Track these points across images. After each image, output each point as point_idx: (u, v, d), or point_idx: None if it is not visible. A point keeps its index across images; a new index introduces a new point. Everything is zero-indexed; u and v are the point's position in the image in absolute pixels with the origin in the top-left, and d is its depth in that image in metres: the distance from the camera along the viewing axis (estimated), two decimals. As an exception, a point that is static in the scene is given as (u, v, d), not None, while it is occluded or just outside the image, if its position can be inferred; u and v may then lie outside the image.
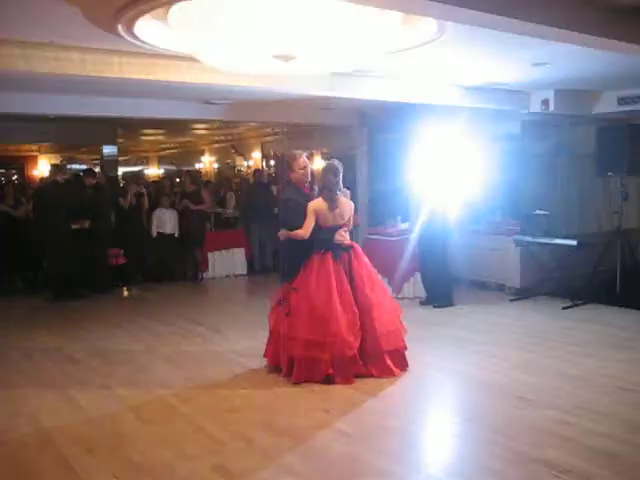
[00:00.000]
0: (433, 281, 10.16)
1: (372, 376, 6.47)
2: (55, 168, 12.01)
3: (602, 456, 4.68)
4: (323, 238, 6.69)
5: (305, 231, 6.63)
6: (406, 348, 6.79)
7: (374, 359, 6.54)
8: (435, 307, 9.92)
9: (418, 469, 4.52)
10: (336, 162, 6.97)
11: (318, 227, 6.67)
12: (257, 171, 15.62)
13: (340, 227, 6.75)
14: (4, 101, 10.12)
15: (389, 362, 6.59)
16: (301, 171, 6.93)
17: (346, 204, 6.83)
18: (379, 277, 7.13)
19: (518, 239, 10.67)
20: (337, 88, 8.79)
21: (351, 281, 6.66)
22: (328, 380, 6.34)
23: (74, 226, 10.98)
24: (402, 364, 6.73)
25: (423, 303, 10.16)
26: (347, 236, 6.83)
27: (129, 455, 4.80)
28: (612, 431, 5.14)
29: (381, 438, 5.09)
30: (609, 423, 5.31)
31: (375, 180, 13.45)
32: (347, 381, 6.37)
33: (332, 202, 6.70)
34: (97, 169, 16.23)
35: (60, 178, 11.38)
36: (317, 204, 6.71)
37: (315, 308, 6.44)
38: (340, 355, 6.37)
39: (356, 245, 6.99)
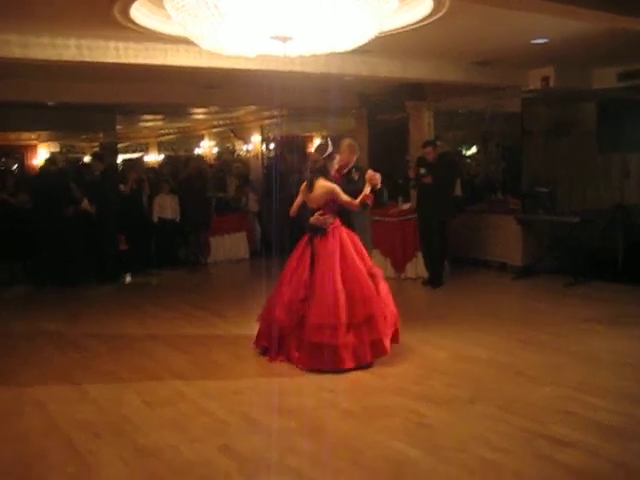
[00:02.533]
0: (434, 261, 10.16)
1: (299, 366, 6.30)
2: (49, 158, 12.11)
3: (606, 430, 4.69)
4: (305, 219, 6.73)
5: (291, 209, 6.87)
6: (339, 347, 6.15)
7: (303, 347, 6.35)
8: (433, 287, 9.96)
9: (424, 447, 4.52)
10: (325, 140, 6.92)
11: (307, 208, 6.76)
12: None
13: (317, 209, 6.65)
14: (2, 89, 10.09)
15: (313, 355, 6.23)
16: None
17: (321, 188, 6.61)
18: (354, 266, 6.46)
19: (520, 217, 10.66)
20: (336, 67, 8.76)
21: (314, 265, 6.53)
22: (263, 352, 6.68)
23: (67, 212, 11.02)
24: (331, 361, 6.15)
25: (425, 283, 10.17)
26: (326, 219, 6.57)
27: (135, 438, 4.80)
28: (615, 406, 5.15)
29: (386, 417, 5.09)
30: (612, 398, 5.32)
31: (376, 161, 13.41)
32: (270, 358, 6.54)
33: (309, 183, 6.71)
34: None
35: (54, 168, 11.42)
36: (303, 184, 6.80)
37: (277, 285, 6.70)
38: (269, 331, 6.61)
39: (338, 229, 6.61)
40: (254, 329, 7.03)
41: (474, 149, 17.70)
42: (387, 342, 6.36)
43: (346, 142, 7.38)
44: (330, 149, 6.76)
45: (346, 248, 6.52)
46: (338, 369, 6.10)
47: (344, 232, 6.64)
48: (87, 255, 11.46)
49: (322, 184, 6.63)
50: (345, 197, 6.61)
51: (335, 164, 6.85)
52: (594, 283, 9.65)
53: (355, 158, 7.33)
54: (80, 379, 6.19)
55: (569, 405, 5.18)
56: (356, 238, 6.70)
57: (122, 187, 12.11)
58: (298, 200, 6.82)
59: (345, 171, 7.19)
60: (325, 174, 6.68)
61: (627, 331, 7.33)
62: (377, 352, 6.30)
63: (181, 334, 7.80)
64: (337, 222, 6.65)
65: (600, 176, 11.26)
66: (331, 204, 6.62)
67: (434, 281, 10.05)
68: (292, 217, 6.93)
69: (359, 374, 6.12)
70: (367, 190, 6.56)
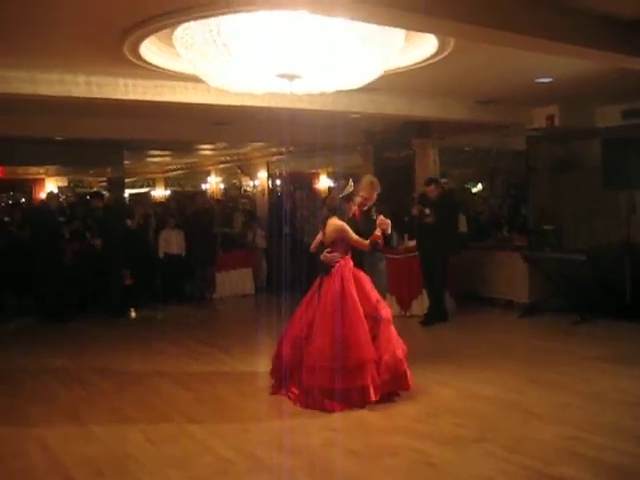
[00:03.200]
0: (434, 298, 10.14)
1: (296, 404, 6.31)
2: (50, 194, 12.34)
3: (614, 471, 4.65)
4: (319, 256, 6.76)
5: (312, 245, 6.93)
6: (329, 390, 6.15)
7: (301, 386, 6.37)
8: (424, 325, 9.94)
9: (429, 487, 4.49)
10: (348, 181, 6.92)
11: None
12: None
13: (326, 248, 6.68)
14: (11, 124, 10.19)
15: (307, 395, 6.27)
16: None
17: (332, 226, 6.65)
18: (353, 307, 6.36)
19: (526, 254, 10.64)
20: (342, 104, 8.83)
21: (318, 303, 6.53)
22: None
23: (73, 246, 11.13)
24: (320, 403, 6.17)
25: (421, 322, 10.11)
26: (333, 257, 6.58)
27: (138, 476, 4.77)
28: (623, 446, 5.10)
29: (391, 456, 5.06)
30: (620, 438, 5.27)
31: (382, 198, 13.43)
32: (272, 391, 6.67)
33: (323, 221, 6.78)
34: (104, 191, 16.43)
35: (53, 203, 11.58)
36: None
37: None
38: (279, 365, 6.64)
39: (343, 268, 6.57)
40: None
41: (480, 186, 17.78)
42: (374, 389, 6.23)
43: (367, 179, 7.37)
44: (349, 190, 6.80)
45: (347, 288, 6.46)
46: (326, 411, 6.08)
47: (349, 271, 6.60)
48: (91, 289, 11.52)
49: (333, 222, 6.66)
50: (354, 237, 6.60)
51: (353, 205, 6.86)
52: (601, 321, 9.58)
53: (376, 195, 7.24)
54: (85, 416, 6.17)
55: (575, 445, 5.14)
56: (364, 278, 6.64)
57: (129, 222, 12.17)
58: (318, 237, 6.87)
59: (365, 208, 7.15)
60: (339, 213, 6.70)
61: (634, 370, 7.26)
62: (366, 397, 6.19)
63: (187, 371, 7.77)
64: (345, 261, 6.63)
65: (606, 213, 11.26)
66: (339, 243, 6.62)
67: (427, 319, 10.01)
68: (312, 253, 6.94)
69: (364, 413, 6.07)
70: (378, 232, 6.57)
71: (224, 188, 22.43)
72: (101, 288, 11.56)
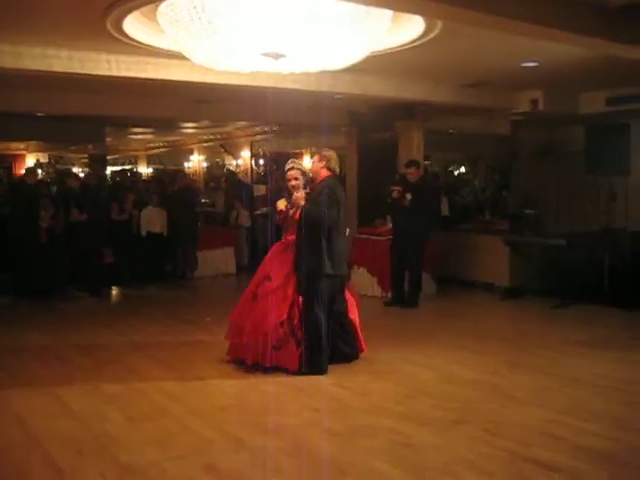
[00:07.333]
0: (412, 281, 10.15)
1: None
2: (28, 170, 12.23)
3: (593, 455, 4.67)
4: None
5: None
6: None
7: None
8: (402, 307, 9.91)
9: (407, 468, 4.49)
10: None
11: None
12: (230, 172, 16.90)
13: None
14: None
15: None
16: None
17: None
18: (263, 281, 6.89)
19: (507, 238, 10.67)
20: (327, 85, 8.78)
21: None
22: None
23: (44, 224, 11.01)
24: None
25: (390, 304, 10.10)
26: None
27: (117, 455, 4.75)
28: (603, 430, 5.13)
29: (370, 437, 5.06)
30: (599, 422, 5.31)
31: (365, 179, 13.43)
32: None
33: None
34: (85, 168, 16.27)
35: (30, 180, 11.44)
36: None
37: None
38: None
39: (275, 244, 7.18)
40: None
41: (463, 169, 17.81)
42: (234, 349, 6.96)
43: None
44: (285, 168, 7.17)
45: (265, 259, 7.10)
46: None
47: (278, 245, 7.08)
48: (71, 267, 11.41)
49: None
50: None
51: (291, 183, 6.98)
52: (580, 305, 9.66)
53: (321, 169, 6.94)
54: (63, 393, 6.13)
55: (555, 428, 5.17)
56: (277, 252, 6.99)
57: (114, 213, 12.10)
58: None
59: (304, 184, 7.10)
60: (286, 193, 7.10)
61: (613, 354, 7.33)
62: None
63: (166, 348, 7.75)
64: (284, 236, 7.03)
65: (588, 199, 11.32)
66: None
67: (408, 300, 9.97)
68: None
69: (343, 393, 6.10)
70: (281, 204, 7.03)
71: (207, 167, 22.28)
72: (82, 266, 11.46)
